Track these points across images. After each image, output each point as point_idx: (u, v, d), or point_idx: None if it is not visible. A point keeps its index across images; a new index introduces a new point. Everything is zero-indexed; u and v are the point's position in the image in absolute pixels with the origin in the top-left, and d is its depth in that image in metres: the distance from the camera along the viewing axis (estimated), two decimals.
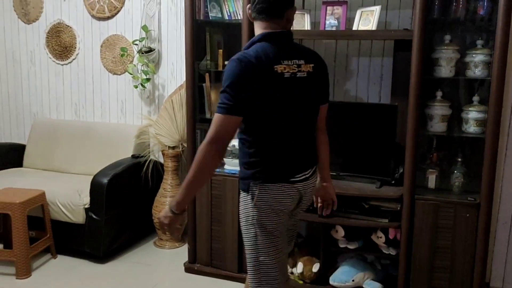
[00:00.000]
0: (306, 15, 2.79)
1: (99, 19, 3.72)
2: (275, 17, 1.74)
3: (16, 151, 3.89)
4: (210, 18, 2.88)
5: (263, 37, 1.73)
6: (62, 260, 3.16)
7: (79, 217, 3.07)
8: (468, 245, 2.46)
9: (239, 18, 2.82)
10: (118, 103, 3.78)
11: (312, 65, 1.79)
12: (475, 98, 2.49)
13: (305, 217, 2.74)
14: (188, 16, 2.80)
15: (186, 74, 2.89)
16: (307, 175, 1.83)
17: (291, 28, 1.86)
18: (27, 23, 3.96)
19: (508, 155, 2.79)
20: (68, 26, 3.82)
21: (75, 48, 3.83)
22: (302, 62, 1.75)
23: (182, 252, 3.27)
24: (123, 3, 3.62)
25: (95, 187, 3.04)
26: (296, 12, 2.84)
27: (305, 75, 1.76)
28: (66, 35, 3.84)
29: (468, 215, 2.43)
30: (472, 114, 2.48)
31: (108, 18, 3.68)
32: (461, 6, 2.42)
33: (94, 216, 3.03)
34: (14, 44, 4.04)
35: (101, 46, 3.74)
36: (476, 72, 2.44)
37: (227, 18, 2.89)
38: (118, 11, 3.65)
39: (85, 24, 3.78)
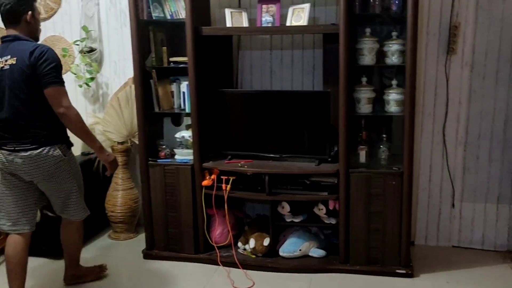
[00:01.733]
0: (243, 13, 3.04)
1: None
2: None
3: None
4: (153, 17, 3.04)
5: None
6: None
7: None
8: (395, 209, 2.85)
9: (181, 17, 3.01)
10: None
11: (16, 58, 2.36)
12: (394, 82, 2.88)
13: (253, 196, 3.03)
14: (133, 16, 2.95)
15: (134, 71, 3.03)
16: (16, 148, 2.41)
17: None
18: None
19: (424, 129, 3.23)
20: (2, 28, 3.78)
21: None
22: (9, 57, 2.38)
23: (137, 242, 3.44)
24: (60, 4, 3.67)
25: None
26: (234, 10, 3.09)
27: (8, 67, 2.37)
28: None
29: (394, 182, 2.82)
30: (392, 96, 2.86)
31: (45, 19, 3.69)
32: (377, 3, 2.79)
33: (49, 214, 3.10)
34: None
35: None
36: (393, 59, 2.82)
37: (169, 17, 3.06)
38: (55, 12, 3.69)
39: None
